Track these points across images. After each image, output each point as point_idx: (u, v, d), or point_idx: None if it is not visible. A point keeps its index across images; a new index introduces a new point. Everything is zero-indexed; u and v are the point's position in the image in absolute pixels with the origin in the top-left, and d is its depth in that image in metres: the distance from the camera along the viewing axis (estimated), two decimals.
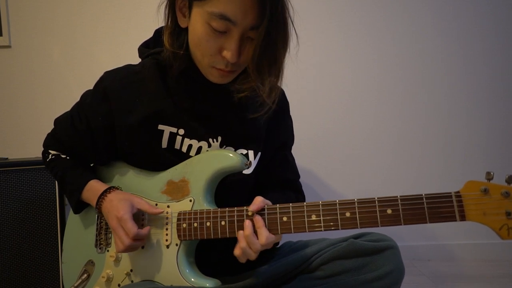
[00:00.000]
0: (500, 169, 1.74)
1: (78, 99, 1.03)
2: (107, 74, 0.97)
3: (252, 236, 0.79)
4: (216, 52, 0.82)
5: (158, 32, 1.00)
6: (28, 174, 1.41)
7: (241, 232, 0.81)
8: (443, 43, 1.82)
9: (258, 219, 0.80)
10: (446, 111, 1.84)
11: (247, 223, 0.80)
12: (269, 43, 0.78)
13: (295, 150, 1.10)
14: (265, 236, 0.78)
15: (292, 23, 0.81)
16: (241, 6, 0.75)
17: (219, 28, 0.78)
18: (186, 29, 0.86)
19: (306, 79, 1.82)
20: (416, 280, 1.61)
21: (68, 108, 1.06)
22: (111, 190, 0.93)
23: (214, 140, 0.94)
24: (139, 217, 0.92)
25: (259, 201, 0.81)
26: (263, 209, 0.81)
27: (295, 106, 1.06)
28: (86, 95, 1.01)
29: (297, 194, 1.08)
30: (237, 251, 0.82)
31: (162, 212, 0.90)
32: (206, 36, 0.80)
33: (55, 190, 1.42)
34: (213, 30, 0.79)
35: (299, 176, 1.10)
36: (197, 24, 0.81)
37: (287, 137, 1.07)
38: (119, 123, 0.94)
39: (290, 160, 1.08)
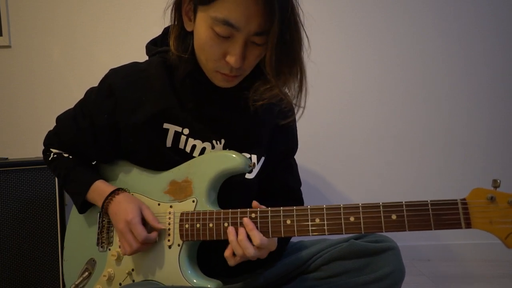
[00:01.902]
0: (500, 170, 1.76)
1: (78, 99, 1.03)
2: (113, 71, 0.96)
3: (246, 240, 0.79)
4: (220, 57, 0.81)
5: (167, 31, 0.98)
6: (28, 174, 1.40)
7: (232, 237, 0.81)
8: (444, 43, 1.83)
9: (247, 222, 0.79)
10: (447, 111, 1.84)
11: (231, 229, 0.80)
12: (284, 46, 0.77)
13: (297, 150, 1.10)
14: (258, 238, 0.78)
15: (303, 26, 0.80)
16: (244, 12, 0.74)
17: (223, 33, 0.77)
18: (192, 32, 0.86)
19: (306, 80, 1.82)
20: (416, 280, 1.61)
21: (68, 108, 1.06)
22: (119, 192, 0.93)
23: (218, 142, 0.94)
24: (144, 221, 0.92)
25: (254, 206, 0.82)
26: (266, 212, 0.80)
27: None
28: (91, 92, 0.99)
29: (297, 204, 1.07)
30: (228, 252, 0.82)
31: (163, 229, 0.89)
32: (210, 41, 0.79)
33: (55, 190, 1.42)
34: (216, 35, 0.78)
35: (300, 184, 1.09)
36: (201, 29, 0.80)
37: (292, 143, 1.07)
38: (124, 120, 0.93)
39: (294, 167, 1.07)
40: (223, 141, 0.94)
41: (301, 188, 1.10)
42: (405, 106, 1.85)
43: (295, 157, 1.09)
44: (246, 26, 0.76)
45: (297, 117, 0.95)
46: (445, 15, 1.82)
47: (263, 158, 0.98)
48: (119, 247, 0.94)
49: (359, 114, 1.85)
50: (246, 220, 0.80)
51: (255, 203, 0.82)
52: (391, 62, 1.83)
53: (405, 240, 1.82)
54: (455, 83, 1.83)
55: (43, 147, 1.08)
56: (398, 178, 1.85)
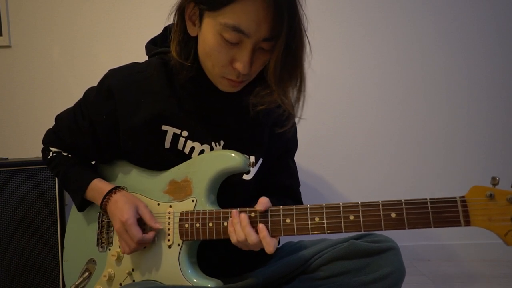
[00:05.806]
0: (501, 170, 1.76)
1: (78, 99, 1.03)
2: (112, 72, 0.96)
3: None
4: (228, 63, 0.80)
5: (167, 29, 0.98)
6: (28, 174, 1.40)
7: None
8: (444, 43, 1.83)
9: (262, 228, 0.78)
10: (447, 111, 1.84)
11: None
12: (289, 54, 0.76)
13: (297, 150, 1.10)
14: (272, 246, 0.77)
15: (306, 33, 0.79)
16: (254, 18, 0.74)
17: (232, 39, 0.76)
18: (195, 38, 0.85)
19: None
20: (416, 280, 1.61)
21: (68, 108, 1.06)
22: (117, 191, 0.93)
23: (217, 144, 0.94)
24: (142, 220, 0.91)
25: (265, 202, 0.80)
26: (266, 211, 0.80)
27: None
28: (90, 92, 0.99)
29: (296, 203, 1.07)
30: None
31: (160, 228, 0.89)
32: (218, 47, 0.78)
33: (55, 190, 1.42)
34: (225, 41, 0.77)
35: (299, 184, 1.09)
36: (208, 35, 0.79)
37: (291, 144, 1.06)
38: (123, 122, 0.93)
39: (292, 167, 1.07)
40: (222, 142, 0.94)
41: (302, 188, 1.10)
42: (405, 106, 1.84)
43: (295, 158, 1.09)
44: (256, 32, 0.75)
45: (294, 123, 0.94)
46: (445, 14, 1.82)
47: (261, 160, 0.98)
48: (119, 247, 0.94)
49: (359, 114, 1.85)
50: (260, 226, 0.78)
51: (264, 199, 0.80)
52: (391, 61, 1.83)
53: (405, 240, 1.82)
54: (456, 82, 1.83)
55: (42, 146, 1.08)
56: (399, 178, 1.85)
